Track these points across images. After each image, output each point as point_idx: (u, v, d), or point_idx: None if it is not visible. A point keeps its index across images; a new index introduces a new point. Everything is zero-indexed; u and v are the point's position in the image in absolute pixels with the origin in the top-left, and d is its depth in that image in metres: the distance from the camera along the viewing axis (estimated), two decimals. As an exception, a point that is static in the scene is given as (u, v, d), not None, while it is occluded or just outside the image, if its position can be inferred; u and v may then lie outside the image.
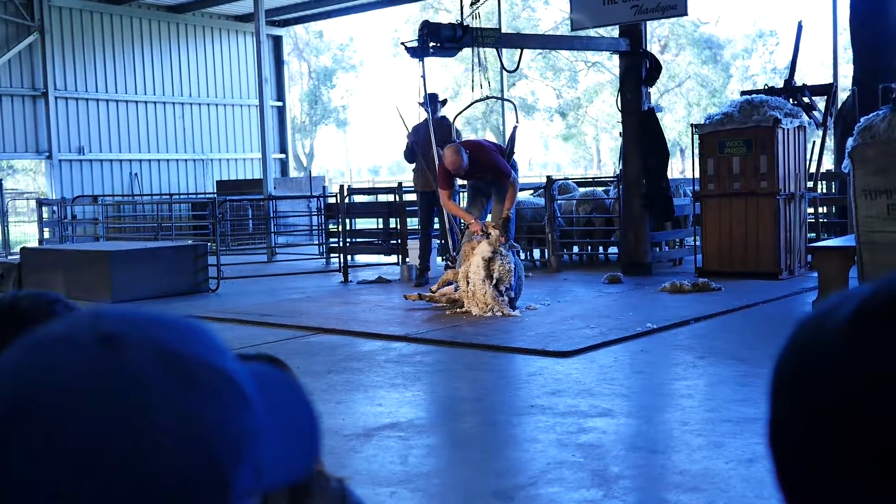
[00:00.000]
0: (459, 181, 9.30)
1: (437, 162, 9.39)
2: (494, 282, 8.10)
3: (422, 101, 10.06)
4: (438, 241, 11.36)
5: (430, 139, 9.89)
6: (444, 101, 10.53)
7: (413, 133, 10.39)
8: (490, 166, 8.75)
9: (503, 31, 11.56)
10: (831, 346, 0.59)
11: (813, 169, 11.34)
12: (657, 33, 36.78)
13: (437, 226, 10.55)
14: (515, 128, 9.26)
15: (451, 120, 10.51)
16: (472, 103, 11.24)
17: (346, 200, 12.64)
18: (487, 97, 10.94)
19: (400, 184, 12.54)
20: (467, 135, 16.11)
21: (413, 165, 10.66)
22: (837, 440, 0.56)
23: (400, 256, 12.04)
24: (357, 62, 42.51)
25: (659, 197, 10.92)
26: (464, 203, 10.10)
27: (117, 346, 0.61)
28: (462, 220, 9.09)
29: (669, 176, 11.47)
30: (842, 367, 0.57)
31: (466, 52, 9.85)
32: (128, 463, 0.57)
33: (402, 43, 9.09)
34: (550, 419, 4.92)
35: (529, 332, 7.39)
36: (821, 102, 11.63)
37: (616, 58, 12.17)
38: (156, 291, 10.43)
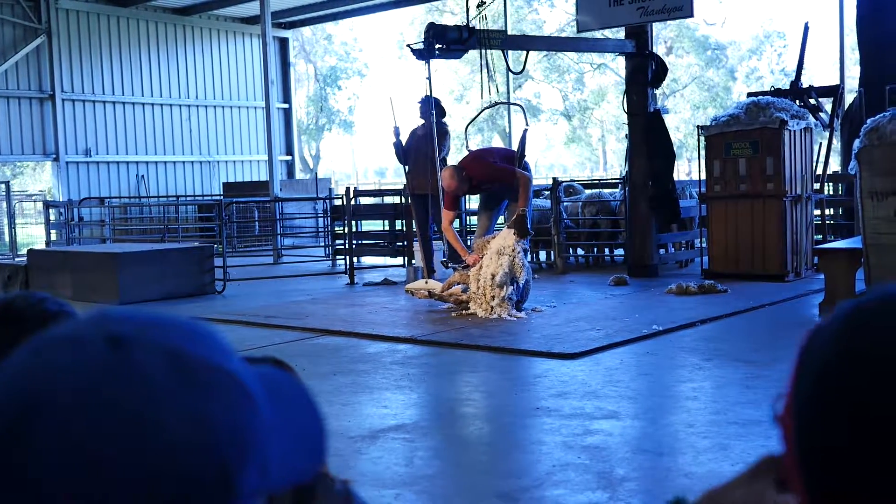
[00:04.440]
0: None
1: (437, 167, 9.49)
2: (503, 282, 8.10)
3: (420, 101, 10.08)
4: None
5: (424, 142, 9.94)
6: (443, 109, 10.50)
7: (410, 137, 10.42)
8: (491, 177, 8.78)
9: (509, 32, 11.57)
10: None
11: (819, 171, 11.32)
12: (663, 35, 36.74)
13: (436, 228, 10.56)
14: (525, 131, 9.26)
15: (464, 129, 10.56)
16: (482, 111, 11.22)
17: (353, 202, 12.65)
18: (496, 103, 10.93)
19: (406, 185, 12.54)
20: (474, 137, 16.10)
21: (407, 167, 10.68)
22: (886, 434, 0.63)
23: (406, 258, 12.05)
24: (363, 64, 42.58)
25: (665, 199, 10.91)
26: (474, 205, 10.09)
27: (125, 347, 0.61)
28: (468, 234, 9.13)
29: (675, 178, 11.47)
30: None
31: (473, 54, 9.85)
32: (135, 463, 0.58)
33: (409, 45, 9.10)
34: (556, 421, 4.92)
35: (535, 334, 7.39)
36: (827, 104, 11.60)
37: (622, 59, 12.18)
38: (162, 293, 10.45)
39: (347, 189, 12.86)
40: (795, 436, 0.70)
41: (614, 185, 13.63)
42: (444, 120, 10.47)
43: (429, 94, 9.68)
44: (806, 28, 11.88)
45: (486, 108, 11.22)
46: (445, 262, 9.49)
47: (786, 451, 0.71)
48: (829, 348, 0.69)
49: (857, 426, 0.64)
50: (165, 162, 20.35)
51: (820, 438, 0.67)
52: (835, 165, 14.05)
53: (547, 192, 12.54)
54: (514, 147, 9.66)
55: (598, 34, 12.24)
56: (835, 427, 0.66)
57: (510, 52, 10.84)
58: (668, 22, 26.53)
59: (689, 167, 34.55)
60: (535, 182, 9.57)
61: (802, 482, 0.69)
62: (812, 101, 11.34)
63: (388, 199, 14.65)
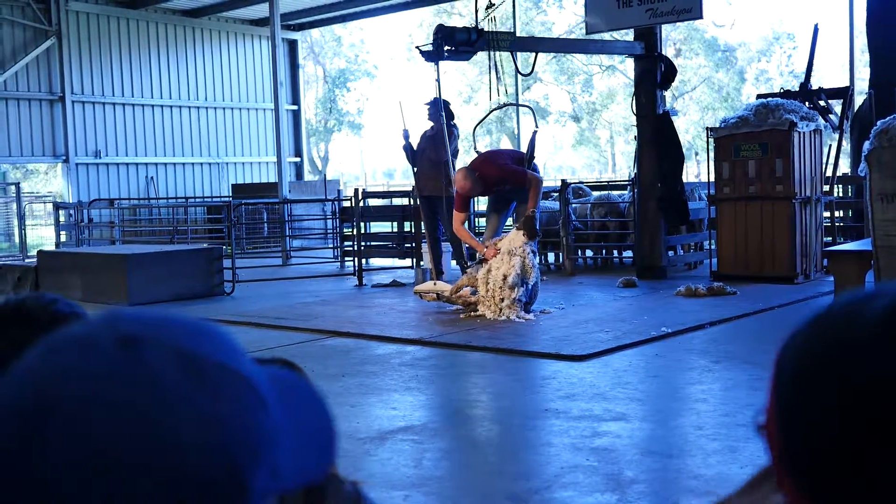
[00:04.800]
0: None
1: (449, 169, 9.52)
2: (515, 283, 8.10)
3: (428, 103, 10.07)
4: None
5: (431, 144, 9.97)
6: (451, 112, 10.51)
7: (421, 140, 10.43)
8: (502, 179, 8.79)
9: (517, 34, 11.57)
10: (867, 339, 0.65)
11: (829, 172, 11.29)
12: (672, 37, 36.68)
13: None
14: (535, 133, 9.27)
15: (473, 131, 10.57)
16: (490, 112, 11.21)
17: (361, 204, 12.66)
18: (505, 104, 10.91)
19: (414, 187, 12.54)
20: (482, 139, 16.11)
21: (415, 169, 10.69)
22: (867, 429, 0.63)
23: (414, 260, 12.05)
24: (372, 66, 42.62)
25: (674, 200, 10.89)
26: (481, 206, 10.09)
27: (136, 348, 0.61)
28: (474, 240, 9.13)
29: (684, 179, 11.45)
30: (880, 361, 0.64)
31: (481, 56, 9.85)
32: (146, 464, 0.58)
33: (417, 47, 9.11)
34: (565, 423, 4.91)
35: (544, 336, 7.39)
36: (837, 105, 11.56)
37: (631, 61, 12.16)
38: (171, 294, 10.48)
39: (356, 191, 12.86)
40: (780, 442, 0.70)
41: (623, 187, 13.61)
42: (454, 122, 10.47)
43: (437, 95, 9.68)
44: (815, 29, 11.85)
45: (495, 109, 11.20)
46: (466, 263, 9.50)
47: (773, 458, 0.72)
48: (802, 355, 0.70)
49: (837, 428, 0.65)
50: (175, 163, 20.40)
51: (801, 442, 0.68)
52: (844, 167, 14.00)
53: (555, 194, 12.53)
54: (524, 149, 9.66)
55: (606, 36, 12.23)
56: (814, 431, 0.67)
57: (519, 53, 10.84)
58: (678, 24, 26.49)
59: (697, 169, 34.51)
60: (543, 184, 9.57)
61: (793, 486, 0.69)
62: (822, 102, 11.30)
63: (397, 201, 14.65)
